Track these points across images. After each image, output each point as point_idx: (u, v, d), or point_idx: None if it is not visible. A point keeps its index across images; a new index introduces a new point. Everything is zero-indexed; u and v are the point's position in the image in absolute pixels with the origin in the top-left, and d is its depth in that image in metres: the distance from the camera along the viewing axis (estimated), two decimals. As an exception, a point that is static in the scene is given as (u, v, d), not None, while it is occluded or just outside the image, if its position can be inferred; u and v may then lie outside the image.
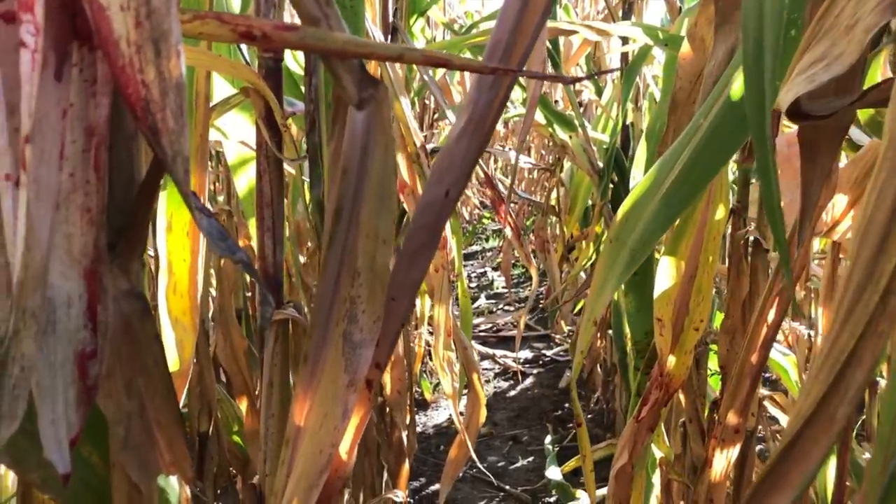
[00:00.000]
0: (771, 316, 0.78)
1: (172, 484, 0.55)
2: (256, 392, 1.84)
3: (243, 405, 1.71)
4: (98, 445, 0.46)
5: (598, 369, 2.99)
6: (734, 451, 0.87)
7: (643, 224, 0.72)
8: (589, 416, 2.94)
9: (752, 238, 1.12)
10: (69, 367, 0.37)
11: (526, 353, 3.70)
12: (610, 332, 2.69)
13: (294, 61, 1.40)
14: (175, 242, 0.82)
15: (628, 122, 2.67)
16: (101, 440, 0.44)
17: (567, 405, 3.13)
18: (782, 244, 0.45)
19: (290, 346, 0.93)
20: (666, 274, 1.09)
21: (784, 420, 1.22)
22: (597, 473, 2.50)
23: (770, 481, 0.48)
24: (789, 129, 1.19)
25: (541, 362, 3.66)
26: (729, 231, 1.22)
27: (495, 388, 3.37)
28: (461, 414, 1.79)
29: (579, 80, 0.47)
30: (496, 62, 0.48)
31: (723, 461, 0.89)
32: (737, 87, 0.69)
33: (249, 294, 2.05)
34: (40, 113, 0.36)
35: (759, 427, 1.21)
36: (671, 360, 1.13)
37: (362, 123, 0.46)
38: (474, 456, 1.78)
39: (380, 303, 0.46)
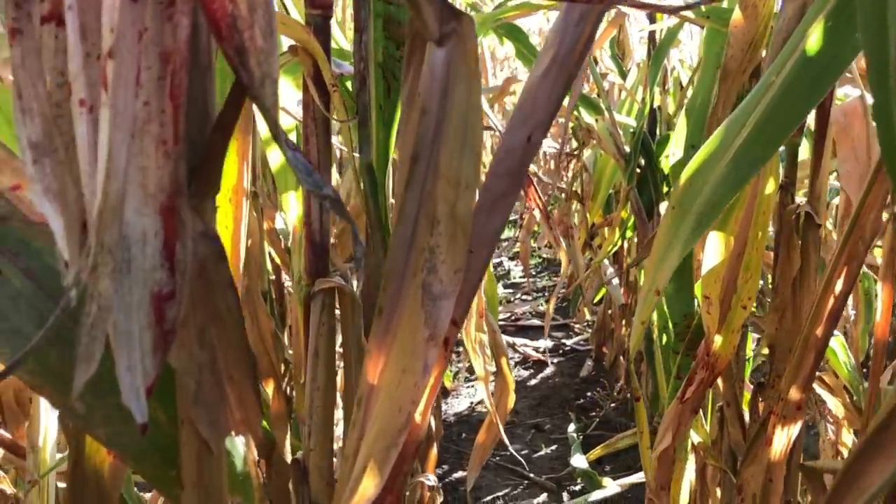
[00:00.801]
0: (838, 287, 0.75)
1: (237, 445, 0.52)
2: (282, 374, 1.82)
3: (269, 388, 1.69)
4: (163, 401, 0.43)
5: (622, 358, 2.95)
6: (795, 429, 0.84)
7: (711, 188, 0.69)
8: (612, 405, 2.91)
9: (803, 213, 1.08)
10: (145, 309, 0.34)
11: (546, 342, 3.67)
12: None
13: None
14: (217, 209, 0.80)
15: (655, 105, 2.63)
16: (166, 396, 0.42)
17: (589, 394, 3.10)
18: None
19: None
20: (714, 250, 1.06)
21: (832, 402, 1.19)
22: (623, 462, 2.47)
23: (875, 446, 0.45)
24: (843, 99, 1.16)
25: (561, 351, 3.63)
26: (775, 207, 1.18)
27: (516, 376, 3.34)
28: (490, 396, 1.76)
29: (685, 8, 0.44)
30: (582, -2, 0.45)
31: (783, 439, 0.85)
32: (813, 41, 0.66)
33: (274, 277, 2.03)
34: (117, 34, 0.33)
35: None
36: (718, 340, 1.10)
37: (443, 60, 0.43)
38: (506, 440, 1.75)
39: (461, 252, 0.43)
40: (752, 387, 1.45)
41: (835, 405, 1.18)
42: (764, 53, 1.12)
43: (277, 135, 0.33)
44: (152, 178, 0.35)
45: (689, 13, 1.37)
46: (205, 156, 0.38)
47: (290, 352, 1.96)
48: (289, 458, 1.68)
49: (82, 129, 0.33)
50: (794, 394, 0.80)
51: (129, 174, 0.34)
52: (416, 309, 0.43)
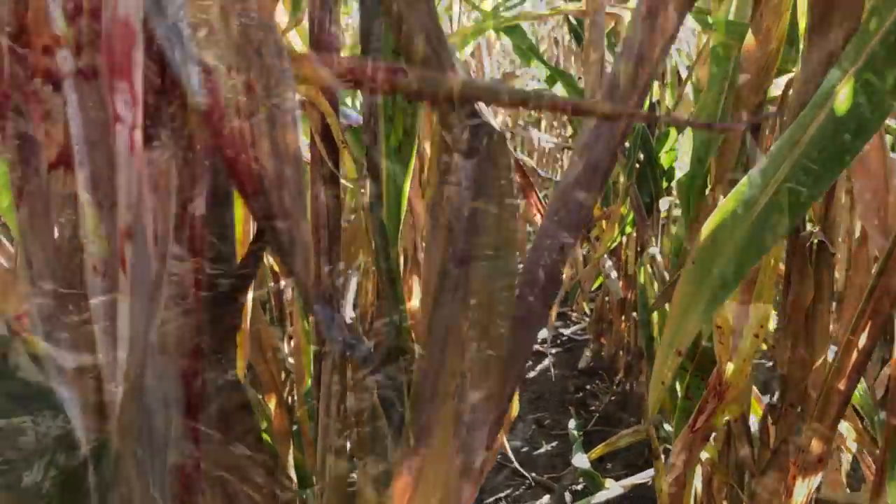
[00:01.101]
0: (862, 341, 0.73)
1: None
2: (283, 382, 1.80)
3: (272, 403, 1.68)
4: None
5: (621, 352, 2.95)
6: (816, 480, 0.82)
7: (734, 249, 0.66)
8: (612, 398, 2.91)
9: (816, 242, 1.06)
10: (167, 483, 0.32)
11: (544, 333, 3.67)
12: (635, 314, 2.64)
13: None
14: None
15: (654, 99, 2.60)
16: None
17: (588, 387, 3.10)
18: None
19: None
20: (726, 279, 1.04)
21: (843, 427, 1.18)
22: (625, 460, 2.47)
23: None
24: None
25: (559, 341, 3.63)
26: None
27: (514, 368, 3.34)
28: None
29: (717, 127, 0.42)
30: (616, 99, 0.42)
31: (804, 489, 0.84)
32: (842, 100, 0.63)
33: (273, 284, 2.01)
34: (131, 185, 0.31)
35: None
36: (729, 367, 1.09)
37: (471, 174, 0.41)
38: (506, 444, 1.74)
39: (496, 377, 0.41)
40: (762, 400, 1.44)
41: (846, 430, 1.17)
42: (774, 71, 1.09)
43: (308, 300, 0.30)
44: (171, 338, 0.32)
45: (696, 24, 1.34)
46: (225, 296, 0.36)
47: (291, 360, 1.94)
48: (291, 471, 1.67)
49: (97, 296, 0.30)
50: (816, 447, 0.79)
51: (148, 340, 0.31)
52: (447, 438, 0.41)
